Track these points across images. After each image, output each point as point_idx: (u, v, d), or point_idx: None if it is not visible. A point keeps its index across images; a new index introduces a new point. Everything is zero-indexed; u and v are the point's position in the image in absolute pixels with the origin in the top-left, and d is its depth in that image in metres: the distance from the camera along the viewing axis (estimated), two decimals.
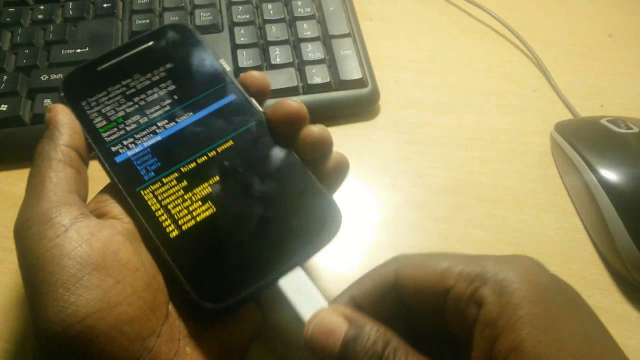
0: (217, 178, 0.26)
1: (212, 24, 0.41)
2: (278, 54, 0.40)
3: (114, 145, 0.26)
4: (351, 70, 0.39)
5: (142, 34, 0.29)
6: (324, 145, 0.26)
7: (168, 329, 0.22)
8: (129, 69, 0.28)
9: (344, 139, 0.38)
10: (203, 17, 0.41)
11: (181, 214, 0.25)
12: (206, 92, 0.28)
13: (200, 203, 0.25)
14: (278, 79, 0.38)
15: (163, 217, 0.24)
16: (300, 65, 0.40)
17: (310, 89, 0.38)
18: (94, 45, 0.40)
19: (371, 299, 0.23)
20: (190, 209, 0.25)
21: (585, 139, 0.35)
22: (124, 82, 0.28)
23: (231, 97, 0.28)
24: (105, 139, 0.26)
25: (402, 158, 0.37)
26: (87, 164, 0.26)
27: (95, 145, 0.26)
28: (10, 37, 0.40)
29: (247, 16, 0.42)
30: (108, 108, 0.27)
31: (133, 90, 0.27)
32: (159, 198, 0.25)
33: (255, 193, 0.25)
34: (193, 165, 0.26)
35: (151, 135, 0.26)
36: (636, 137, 0.33)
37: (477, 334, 0.20)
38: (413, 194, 0.35)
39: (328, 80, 0.39)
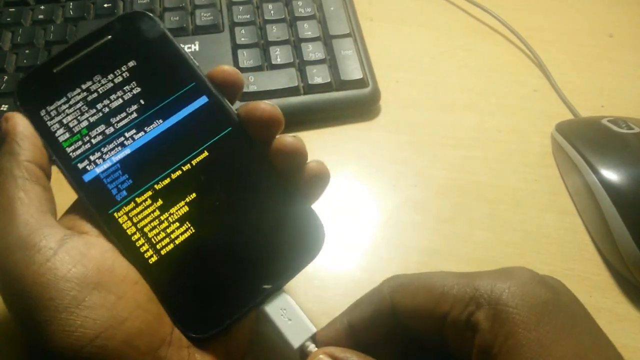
0: (193, 195, 0.24)
1: (212, 24, 0.41)
2: (279, 54, 0.40)
3: (81, 162, 0.24)
4: (352, 70, 0.39)
5: (99, 26, 0.26)
6: (298, 157, 0.25)
7: (177, 337, 0.22)
8: (88, 70, 0.25)
9: (345, 139, 0.38)
10: (203, 17, 0.41)
11: (159, 237, 0.23)
12: (175, 94, 0.25)
13: (178, 224, 0.24)
14: (279, 79, 0.38)
15: (140, 242, 0.23)
16: (300, 65, 0.40)
17: (310, 89, 0.38)
18: None
19: (368, 323, 0.23)
20: (168, 231, 0.23)
21: (586, 139, 0.35)
22: (83, 86, 0.25)
23: (203, 100, 0.25)
24: (70, 154, 0.24)
25: (402, 158, 0.37)
26: (49, 178, 0.24)
27: (60, 162, 0.24)
28: (10, 37, 0.40)
29: (248, 16, 0.42)
30: (70, 118, 0.24)
31: (95, 95, 0.25)
32: (134, 220, 0.23)
33: (234, 211, 0.24)
34: (167, 181, 0.24)
35: (119, 148, 0.24)
36: (637, 137, 0.33)
37: None
38: (413, 194, 0.35)
39: (329, 80, 0.39)
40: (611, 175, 0.32)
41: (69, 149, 0.24)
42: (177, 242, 0.23)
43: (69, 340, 0.19)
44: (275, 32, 0.41)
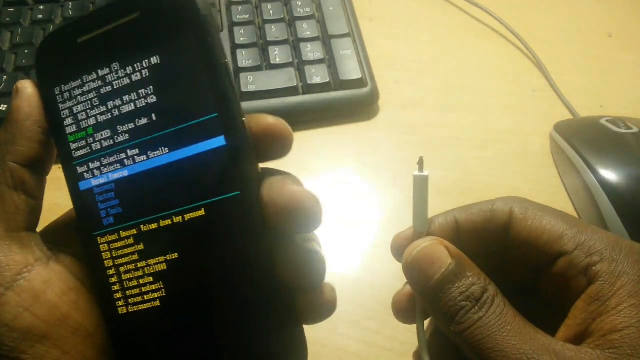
0: (175, 255, 0.20)
1: None
2: (278, 54, 0.40)
3: (81, 165, 0.21)
4: (351, 70, 0.39)
5: None
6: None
7: None
8: (109, 52, 0.20)
9: (343, 139, 0.38)
10: None
11: (131, 284, 0.21)
12: (192, 122, 0.19)
13: (152, 279, 0.20)
14: (277, 79, 0.38)
15: (113, 280, 0.21)
16: (299, 65, 0.40)
17: (309, 89, 0.38)
18: None
19: (474, 228, 0.22)
20: (141, 282, 0.20)
21: (585, 139, 0.35)
22: (100, 72, 0.20)
23: (219, 142, 0.19)
24: (73, 152, 0.21)
25: (401, 158, 0.37)
26: (45, 175, 0.21)
27: (61, 156, 0.21)
28: (10, 37, 0.40)
29: (247, 16, 0.42)
30: (80, 107, 0.21)
31: (109, 89, 0.20)
32: (113, 254, 0.21)
33: (214, 294, 0.20)
34: (154, 226, 0.20)
35: (119, 165, 0.20)
36: (636, 137, 0.33)
37: (578, 305, 0.20)
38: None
39: (328, 80, 0.39)
40: (609, 175, 0.32)
41: (73, 146, 0.21)
42: (146, 300, 0.20)
43: None
44: (274, 32, 0.41)
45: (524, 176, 0.37)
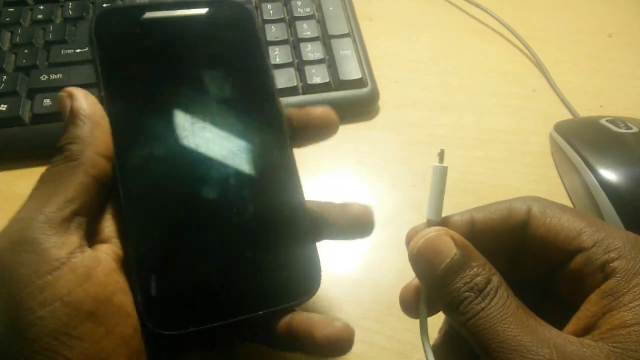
0: (211, 195, 0.23)
1: None
2: (278, 54, 0.40)
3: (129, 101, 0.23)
4: (351, 70, 0.39)
5: None
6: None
7: None
8: (170, 39, 0.24)
9: (343, 139, 0.38)
10: None
11: (162, 213, 0.23)
12: (242, 95, 0.25)
13: (183, 212, 0.23)
14: (277, 79, 0.38)
15: (148, 207, 0.22)
16: (299, 65, 0.40)
17: (309, 89, 0.38)
18: None
19: (491, 225, 0.22)
20: (173, 214, 0.23)
21: (585, 139, 0.35)
22: (156, 51, 0.24)
23: (264, 114, 0.25)
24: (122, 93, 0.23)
25: (401, 158, 0.37)
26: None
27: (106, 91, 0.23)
28: (10, 37, 0.40)
29: None
30: (136, 67, 0.24)
31: (161, 65, 0.24)
32: (147, 174, 0.23)
33: (247, 223, 0.23)
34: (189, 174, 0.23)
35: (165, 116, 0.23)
36: (636, 137, 0.33)
37: (591, 299, 0.20)
38: (413, 194, 0.35)
39: (327, 80, 0.39)
40: (609, 175, 0.32)
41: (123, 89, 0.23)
42: (176, 228, 0.23)
43: None
44: (274, 32, 0.41)
45: (524, 176, 0.37)
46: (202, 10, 0.25)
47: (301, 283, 0.24)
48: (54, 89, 0.37)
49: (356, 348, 0.29)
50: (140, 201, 0.22)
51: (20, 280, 0.19)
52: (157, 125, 0.23)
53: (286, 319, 0.23)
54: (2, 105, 0.36)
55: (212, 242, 0.23)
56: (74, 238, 0.20)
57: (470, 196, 0.35)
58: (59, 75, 0.37)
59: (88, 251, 0.20)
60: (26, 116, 0.36)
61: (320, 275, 0.24)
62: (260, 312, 0.23)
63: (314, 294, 0.24)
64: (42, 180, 0.21)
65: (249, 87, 0.25)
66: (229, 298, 0.23)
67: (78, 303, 0.19)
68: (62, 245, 0.20)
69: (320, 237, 0.25)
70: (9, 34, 0.40)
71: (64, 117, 0.22)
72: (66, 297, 0.19)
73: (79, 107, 0.22)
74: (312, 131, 0.26)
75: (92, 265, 0.20)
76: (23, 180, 0.35)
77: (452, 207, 0.35)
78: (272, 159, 0.25)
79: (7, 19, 0.41)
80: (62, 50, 0.39)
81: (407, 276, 0.31)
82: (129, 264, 0.22)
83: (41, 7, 0.42)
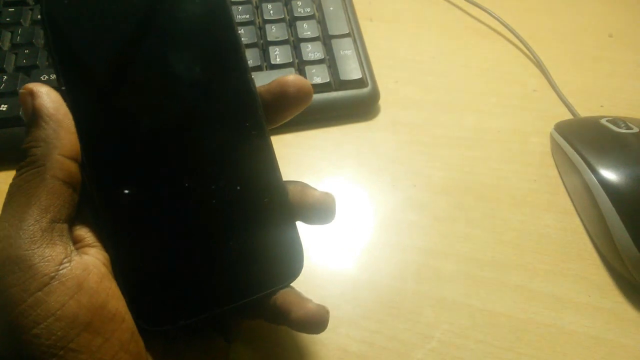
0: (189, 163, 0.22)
1: None
2: (278, 54, 0.40)
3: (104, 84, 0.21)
4: (351, 70, 0.39)
5: None
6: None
7: None
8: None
9: (344, 139, 0.38)
10: None
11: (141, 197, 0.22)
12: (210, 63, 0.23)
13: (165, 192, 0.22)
14: None
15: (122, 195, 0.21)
16: (300, 65, 0.40)
17: None
18: None
19: None
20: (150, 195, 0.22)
21: (585, 139, 0.35)
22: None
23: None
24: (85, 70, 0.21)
25: (401, 158, 0.37)
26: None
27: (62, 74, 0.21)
28: (10, 37, 0.40)
29: (247, 16, 0.42)
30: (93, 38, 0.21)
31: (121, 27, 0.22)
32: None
33: (226, 209, 0.23)
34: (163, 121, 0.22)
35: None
36: (636, 137, 0.33)
37: None
38: (413, 194, 0.35)
39: (328, 80, 0.39)
40: (610, 175, 0.32)
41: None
42: (158, 217, 0.22)
43: None
44: (274, 32, 0.41)
45: (523, 176, 0.37)
46: None
47: (286, 266, 0.24)
48: (54, 89, 0.37)
49: (356, 348, 0.29)
50: (114, 199, 0.21)
51: (11, 300, 0.18)
52: (124, 114, 0.22)
53: (274, 297, 0.24)
54: (2, 106, 0.36)
55: (193, 233, 0.22)
56: (59, 249, 0.19)
57: (469, 196, 0.35)
58: None
59: (76, 260, 0.20)
60: None
61: (302, 256, 0.24)
62: (247, 299, 0.23)
63: (297, 275, 0.24)
64: (11, 193, 0.20)
65: (218, 64, 0.23)
66: (215, 288, 0.23)
67: (72, 316, 0.19)
68: (49, 258, 0.19)
69: (297, 218, 0.25)
70: (9, 34, 0.40)
71: (26, 117, 0.21)
72: (59, 311, 0.18)
73: (41, 106, 0.21)
74: (288, 101, 0.24)
75: (82, 275, 0.19)
76: None
77: (451, 206, 0.35)
78: (248, 139, 0.24)
79: (8, 19, 0.41)
80: None
81: (407, 276, 0.32)
82: (112, 264, 0.21)
83: None
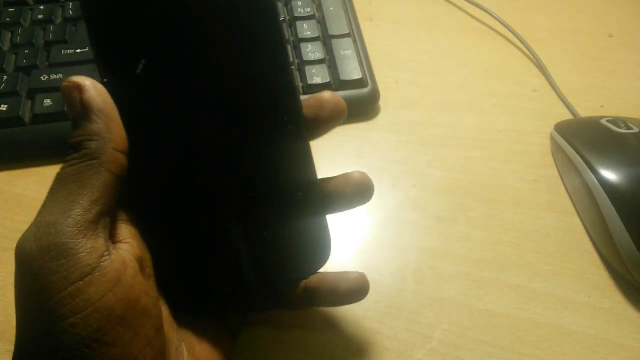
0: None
1: None
2: None
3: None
4: (351, 70, 0.39)
5: None
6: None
7: None
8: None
9: (344, 139, 0.38)
10: None
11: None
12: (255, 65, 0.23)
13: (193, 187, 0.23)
14: None
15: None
16: (300, 65, 0.40)
17: (310, 89, 0.38)
18: None
19: None
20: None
21: (585, 139, 0.35)
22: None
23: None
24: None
25: (401, 158, 0.37)
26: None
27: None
28: (10, 37, 0.40)
29: None
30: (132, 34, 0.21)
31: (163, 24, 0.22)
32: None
33: (263, 200, 0.24)
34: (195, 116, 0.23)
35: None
36: (636, 137, 0.33)
37: None
38: (413, 194, 0.35)
39: (328, 80, 0.39)
40: (610, 175, 0.32)
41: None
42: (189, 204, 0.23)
43: None
44: None
45: (523, 176, 0.37)
46: None
47: (318, 254, 0.25)
48: (54, 89, 0.37)
49: (356, 348, 0.29)
50: (157, 191, 0.23)
51: (50, 287, 0.18)
52: (166, 108, 0.22)
53: (302, 284, 0.25)
54: (2, 105, 0.36)
55: (233, 223, 0.24)
56: (101, 241, 0.20)
57: (469, 196, 0.35)
58: (59, 75, 0.37)
59: (114, 253, 0.20)
60: (26, 116, 0.36)
61: (330, 245, 0.25)
62: (282, 285, 0.25)
63: (326, 262, 0.26)
64: (61, 181, 0.20)
65: (262, 60, 0.23)
66: (255, 274, 0.24)
67: (109, 308, 0.19)
68: (92, 249, 0.19)
69: (328, 210, 0.26)
70: (9, 34, 0.40)
71: (73, 110, 0.21)
72: (98, 302, 0.18)
73: (90, 99, 0.20)
74: (325, 117, 0.25)
75: (121, 269, 0.20)
76: (23, 180, 0.35)
77: (452, 206, 0.35)
78: (289, 138, 0.24)
79: (8, 19, 0.41)
80: (63, 50, 0.39)
81: (407, 276, 0.32)
82: (153, 252, 0.22)
83: (41, 7, 0.42)
